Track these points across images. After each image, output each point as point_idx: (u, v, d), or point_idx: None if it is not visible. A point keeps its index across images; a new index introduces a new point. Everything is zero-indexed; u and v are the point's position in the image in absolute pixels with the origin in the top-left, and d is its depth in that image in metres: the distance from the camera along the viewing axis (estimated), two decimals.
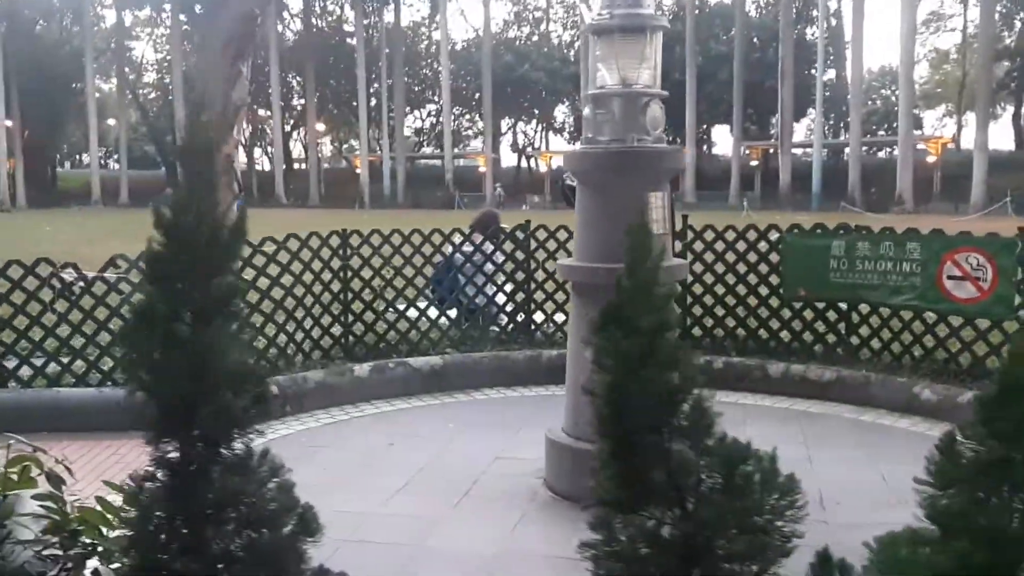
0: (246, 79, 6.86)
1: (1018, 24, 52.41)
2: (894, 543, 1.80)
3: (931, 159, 46.57)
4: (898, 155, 41.08)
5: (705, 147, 61.39)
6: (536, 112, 63.96)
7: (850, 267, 6.86)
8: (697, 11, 50.36)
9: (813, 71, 48.84)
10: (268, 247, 6.87)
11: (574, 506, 4.63)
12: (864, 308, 6.97)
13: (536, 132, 67.85)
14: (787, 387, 6.80)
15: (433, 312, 7.77)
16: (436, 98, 63.08)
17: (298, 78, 63.48)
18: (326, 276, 7.13)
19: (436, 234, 7.65)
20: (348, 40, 62.46)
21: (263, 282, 6.87)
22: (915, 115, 64.09)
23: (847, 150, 48.32)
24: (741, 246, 7.45)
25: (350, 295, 7.22)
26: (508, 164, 66.93)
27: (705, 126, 58.67)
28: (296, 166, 67.36)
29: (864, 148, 55.09)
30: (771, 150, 51.46)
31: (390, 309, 7.54)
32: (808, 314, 7.21)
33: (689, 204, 45.69)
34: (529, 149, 66.38)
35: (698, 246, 7.55)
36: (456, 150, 64.54)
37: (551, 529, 4.30)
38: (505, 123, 65.46)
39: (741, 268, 7.48)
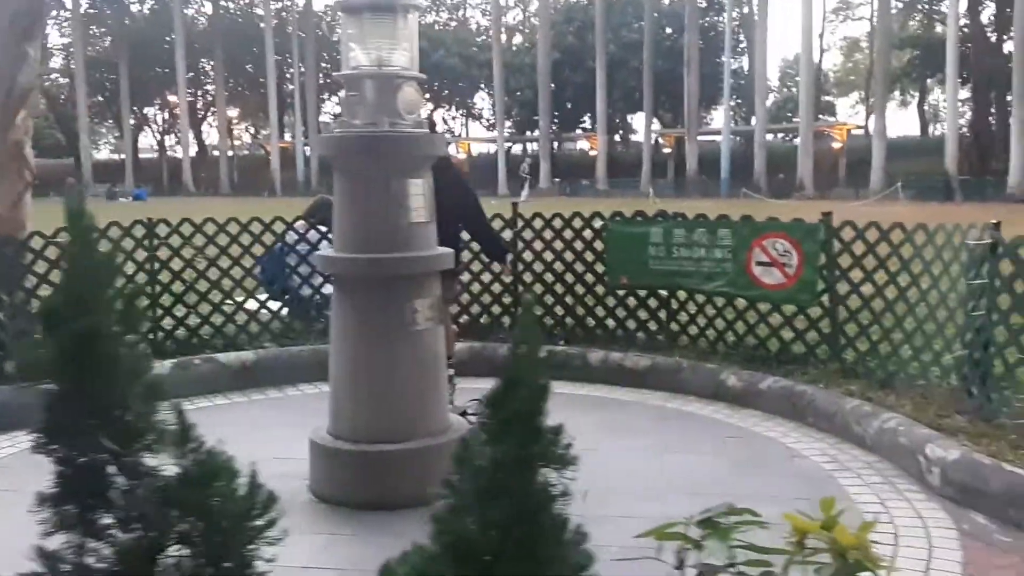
0: (35, 60, 6.47)
1: (921, 13, 53.78)
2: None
3: (837, 145, 47.62)
4: (799, 143, 41.85)
5: (622, 134, 61.82)
6: (456, 99, 63.56)
7: (668, 254, 6.82)
8: None
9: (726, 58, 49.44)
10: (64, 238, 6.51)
11: (331, 510, 4.47)
12: (683, 295, 6.94)
13: (456, 119, 67.51)
14: (607, 375, 6.73)
15: (275, 304, 7.52)
16: None
17: (212, 63, 61.83)
18: (129, 268, 6.80)
19: (258, 223, 7.40)
20: (261, 24, 61.02)
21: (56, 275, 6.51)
22: (829, 102, 65.88)
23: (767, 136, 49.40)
24: (569, 234, 7.37)
25: (158, 288, 6.91)
26: None
27: (621, 114, 59.02)
28: (213, 153, 65.70)
29: (779, 135, 56.19)
30: (684, 137, 51.95)
31: (227, 301, 7.27)
32: (631, 301, 7.16)
33: (601, 191, 46.04)
34: (448, 136, 65.89)
35: (527, 234, 7.45)
36: None
37: (294, 535, 4.10)
38: (424, 110, 64.72)
39: (569, 256, 7.40)
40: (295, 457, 5.09)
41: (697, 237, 6.68)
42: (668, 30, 52.90)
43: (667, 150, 53.50)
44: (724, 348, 6.68)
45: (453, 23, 65.85)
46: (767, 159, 43.20)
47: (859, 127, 53.40)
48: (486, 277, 7.53)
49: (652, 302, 7.08)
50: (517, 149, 59.31)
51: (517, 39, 64.60)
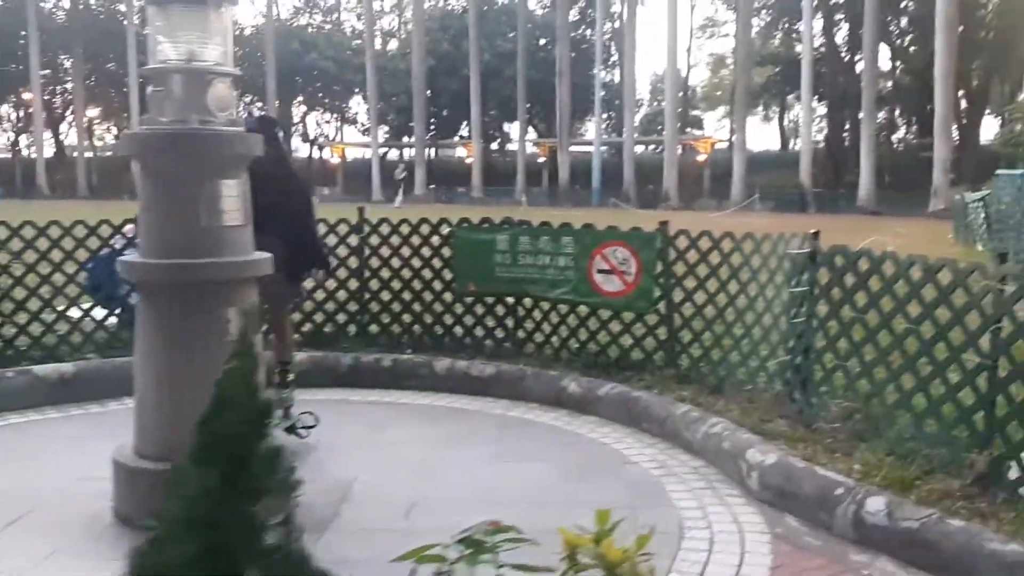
0: None
1: (781, 32, 56.23)
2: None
3: (702, 158, 49.28)
4: (664, 155, 43.12)
5: (500, 143, 62.17)
6: (330, 103, 62.49)
7: (514, 261, 6.78)
8: (485, 7, 50.74)
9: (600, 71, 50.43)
10: None
11: (136, 533, 4.19)
12: (529, 302, 6.92)
13: (330, 123, 66.41)
14: (452, 383, 6.63)
15: (101, 312, 7.06)
16: None
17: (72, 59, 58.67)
18: None
19: (103, 226, 6.96)
20: (124, 20, 58.30)
21: None
22: (697, 116, 68.18)
23: (637, 148, 50.51)
24: (416, 240, 7.25)
25: None
26: (303, 155, 65.04)
27: (498, 122, 59.34)
28: (74, 154, 62.27)
29: (649, 147, 57.66)
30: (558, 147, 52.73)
31: (48, 309, 6.77)
32: (479, 309, 7.09)
33: (476, 199, 46.13)
34: (321, 139, 64.76)
35: (374, 240, 7.29)
36: None
37: (85, 561, 3.82)
38: (299, 113, 63.57)
39: (416, 263, 7.26)
40: (102, 477, 4.77)
41: (542, 245, 6.68)
42: (542, 41, 53.59)
43: (542, 159, 54.10)
44: (568, 355, 6.68)
45: (327, 26, 64.72)
46: (637, 170, 44.29)
47: (723, 141, 55.35)
48: (331, 284, 7.32)
49: (499, 309, 7.03)
50: (395, 155, 58.80)
51: (393, 44, 64.15)
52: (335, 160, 58.63)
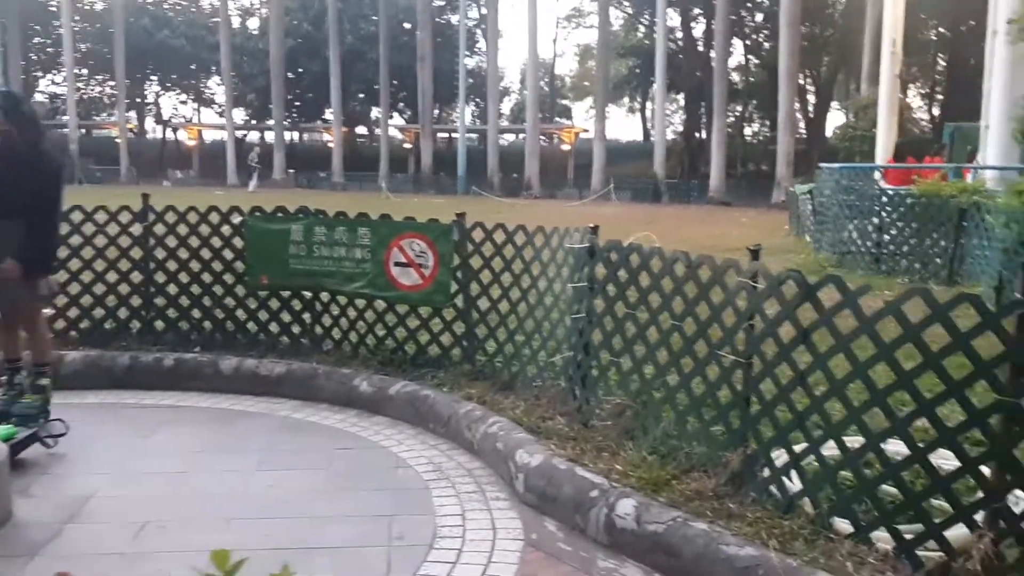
0: None
1: (642, 25, 57.36)
2: None
3: (567, 147, 49.79)
4: (526, 144, 43.30)
5: (368, 129, 61.07)
6: (185, 83, 59.78)
7: (309, 253, 6.45)
8: None
9: (465, 57, 50.10)
10: None
11: None
12: (327, 296, 6.59)
13: (187, 104, 63.56)
14: (240, 384, 6.25)
15: None
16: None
17: None
18: None
19: None
20: None
21: None
22: (566, 106, 68.87)
23: (508, 136, 50.55)
24: (205, 230, 6.80)
25: None
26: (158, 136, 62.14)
27: (365, 106, 58.19)
28: None
29: (519, 135, 57.81)
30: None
31: None
32: (274, 304, 6.72)
33: (337, 185, 45.17)
34: (175, 121, 61.96)
35: (159, 229, 6.79)
36: (100, 118, 58.70)
37: None
38: (153, 93, 60.63)
39: (206, 254, 6.82)
40: None
41: (338, 236, 6.36)
42: (407, 25, 52.81)
43: (408, 146, 53.46)
44: (366, 352, 6.40)
45: (183, 2, 61.80)
46: (504, 158, 44.31)
47: (588, 131, 56.09)
48: (112, 276, 6.80)
49: (295, 304, 6.68)
50: (256, 138, 56.84)
51: (254, 23, 61.90)
52: (191, 142, 56.20)
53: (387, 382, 5.86)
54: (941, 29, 43.72)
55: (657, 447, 4.35)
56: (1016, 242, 8.37)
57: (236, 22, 56.81)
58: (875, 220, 11.36)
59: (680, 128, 54.55)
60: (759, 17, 50.40)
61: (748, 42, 52.13)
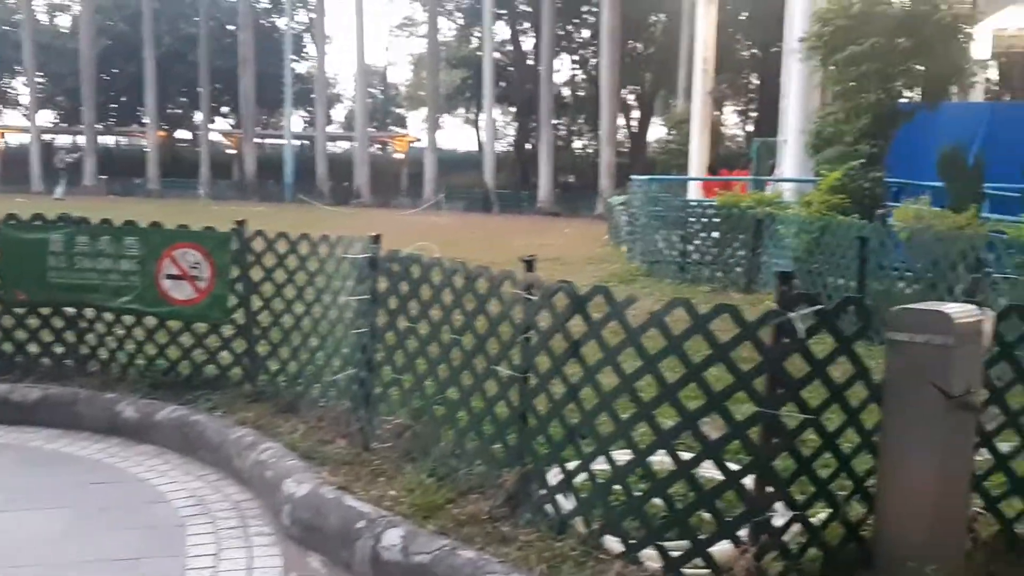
0: None
1: (475, 37, 57.77)
2: None
3: (399, 156, 49.38)
4: (355, 151, 42.65)
5: (192, 133, 58.24)
6: None
7: (70, 265, 5.83)
8: None
9: (293, 62, 48.68)
10: None
11: None
12: (92, 312, 5.99)
13: None
14: None
15: None
16: None
17: None
18: None
19: None
20: None
21: None
22: (402, 115, 68.23)
23: (345, 143, 49.44)
24: None
25: None
26: None
27: (188, 110, 55.50)
28: None
29: (353, 143, 56.68)
30: (260, 139, 50.48)
31: None
32: (33, 321, 6.05)
33: (153, 191, 42.79)
34: None
35: None
36: None
37: None
38: None
39: None
40: None
41: (103, 246, 5.78)
42: (232, 27, 50.83)
43: (233, 151, 51.37)
44: (135, 374, 5.85)
45: None
46: (334, 166, 43.33)
47: (419, 140, 55.88)
48: None
49: (57, 322, 6.03)
50: (66, 141, 53.00)
51: (65, 20, 57.86)
52: None
53: (155, 407, 5.35)
54: (754, 50, 46.32)
55: (436, 469, 4.12)
56: (804, 250, 8.76)
57: (44, 19, 52.99)
58: (680, 231, 11.70)
59: (511, 140, 55.22)
60: (586, 33, 51.77)
61: (576, 57, 53.45)
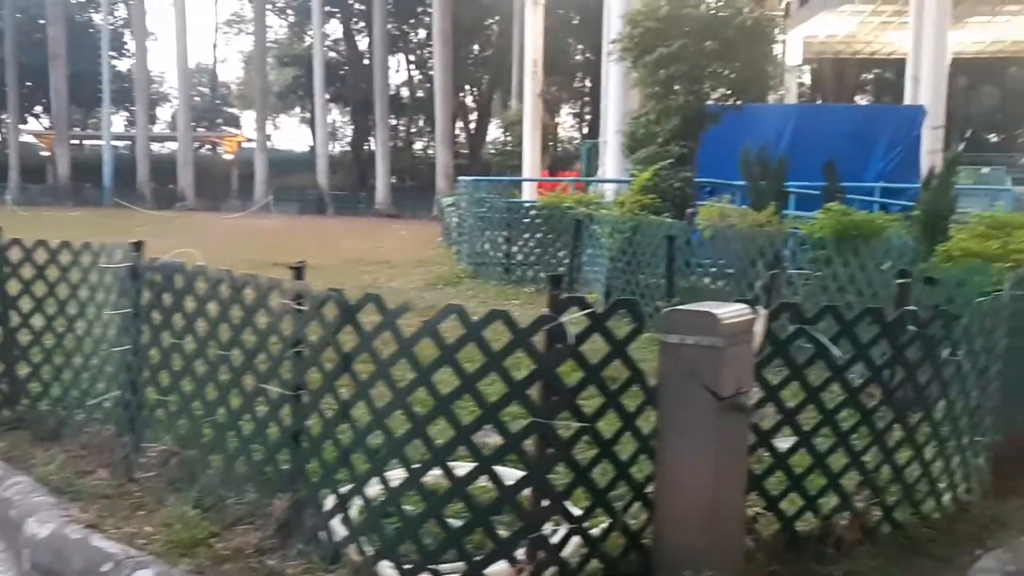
0: None
1: (309, 35, 56.38)
2: None
3: (229, 157, 47.49)
4: (178, 152, 40.77)
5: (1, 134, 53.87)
6: None
7: None
8: None
9: (114, 59, 45.95)
10: None
11: None
12: None
13: None
14: None
15: None
16: None
17: None
18: None
19: None
20: None
21: None
22: (233, 114, 65.54)
23: (173, 144, 46.86)
24: None
25: None
26: None
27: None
28: None
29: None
30: (78, 140, 47.42)
31: None
32: None
33: None
34: None
35: None
36: None
37: None
38: None
39: None
40: None
41: None
42: (44, 21, 47.43)
43: (46, 153, 47.93)
44: None
45: None
46: (159, 168, 41.22)
47: (251, 140, 54.08)
48: None
49: None
50: None
51: None
52: None
53: None
54: (588, 54, 47.43)
55: (203, 499, 3.76)
56: (618, 250, 8.84)
57: None
58: (505, 232, 11.65)
59: (351, 140, 54.20)
60: (423, 33, 51.51)
61: (413, 57, 53.11)
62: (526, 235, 11.43)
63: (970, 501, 4.14)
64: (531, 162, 22.56)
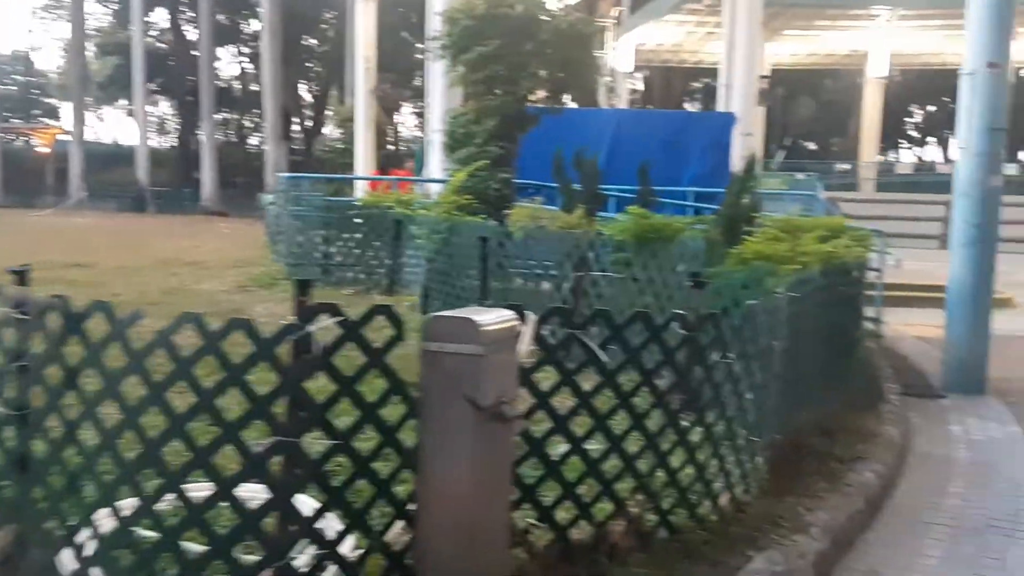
0: None
1: (132, 25, 53.27)
2: None
3: (44, 150, 44.28)
4: None
5: None
6: None
7: None
8: None
9: None
10: None
11: None
12: None
13: None
14: None
15: None
16: None
17: None
18: None
19: None
20: None
21: None
22: (52, 105, 60.96)
23: None
24: None
25: None
26: None
27: None
28: None
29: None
30: None
31: None
32: None
33: None
34: None
35: None
36: None
37: None
38: None
39: None
40: None
41: None
42: None
43: None
44: None
45: None
46: None
47: (68, 132, 50.65)
48: None
49: None
50: None
51: None
52: None
53: None
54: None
55: None
56: (435, 251, 8.68)
57: None
58: (323, 232, 11.26)
59: (179, 135, 51.62)
60: (256, 25, 49.71)
61: (247, 49, 51.20)
62: (345, 235, 11.08)
63: (747, 501, 4.20)
64: (364, 159, 22.14)
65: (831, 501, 4.44)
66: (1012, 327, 10.58)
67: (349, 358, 2.94)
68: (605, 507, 3.59)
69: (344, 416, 3.03)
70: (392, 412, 3.07)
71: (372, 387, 3.03)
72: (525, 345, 3.18)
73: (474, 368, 2.90)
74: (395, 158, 29.88)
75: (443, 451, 2.97)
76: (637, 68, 41.04)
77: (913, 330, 10.38)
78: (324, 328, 2.84)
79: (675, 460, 3.77)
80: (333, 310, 2.88)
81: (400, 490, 3.13)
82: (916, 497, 5.17)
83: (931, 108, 47.66)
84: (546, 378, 3.45)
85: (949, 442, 6.38)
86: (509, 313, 3.13)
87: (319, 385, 2.90)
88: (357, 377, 2.94)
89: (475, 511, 2.99)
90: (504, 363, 3.04)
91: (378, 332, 2.98)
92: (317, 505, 2.95)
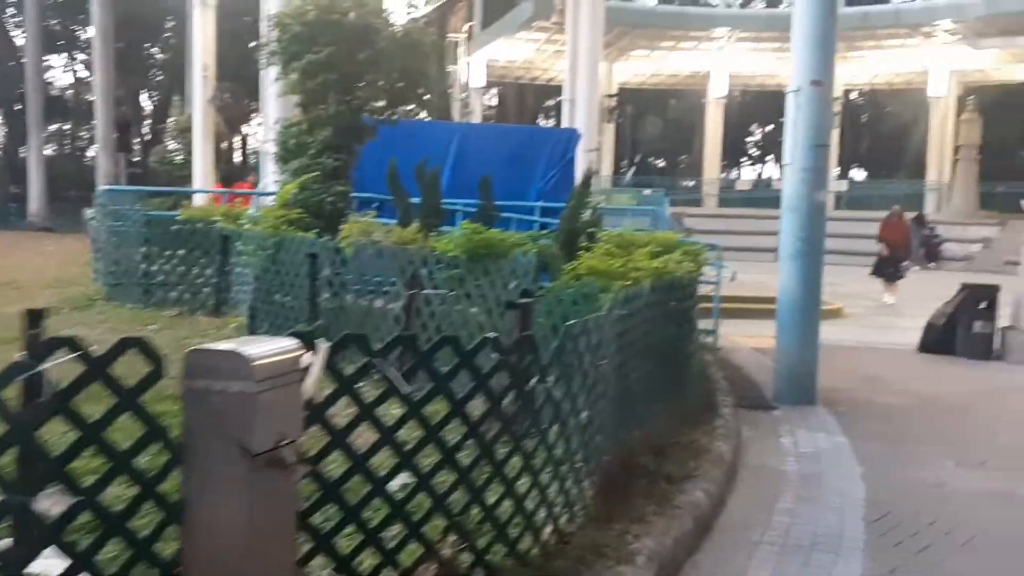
0: None
1: None
2: None
3: None
4: None
5: None
6: None
7: None
8: None
9: None
10: None
11: None
12: None
13: None
14: None
15: None
16: None
17: None
18: None
19: None
20: None
21: None
22: None
23: None
24: None
25: None
26: None
27: None
28: None
29: None
30: None
31: None
32: None
33: None
34: None
35: None
36: None
37: None
38: None
39: None
40: None
41: None
42: None
43: None
44: None
45: None
46: None
47: None
48: None
49: None
50: None
51: None
52: None
53: None
54: None
55: None
56: (263, 268, 8.16)
57: None
58: (143, 249, 10.46)
59: (3, 146, 48.04)
60: (93, 31, 46.90)
61: (83, 56, 48.25)
62: (167, 252, 10.33)
63: (572, 531, 3.98)
64: (203, 171, 21.10)
65: (659, 525, 4.28)
66: (842, 337, 11.00)
67: (101, 399, 2.52)
68: (415, 550, 3.28)
69: (96, 468, 2.60)
70: (155, 461, 2.67)
71: (130, 433, 2.61)
72: (313, 379, 2.83)
73: (244, 408, 2.53)
74: (239, 170, 28.74)
75: (210, 504, 2.58)
76: (490, 84, 41.20)
77: (750, 341, 10.61)
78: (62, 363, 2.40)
79: (491, 494, 3.50)
80: (72, 345, 2.45)
81: (166, 549, 2.71)
82: (746, 514, 5.12)
83: (769, 128, 50.06)
84: (344, 414, 3.11)
85: (779, 455, 6.43)
86: (291, 343, 2.78)
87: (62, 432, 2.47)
88: (104, 422, 2.51)
89: (251, 569, 2.62)
90: (283, 401, 2.67)
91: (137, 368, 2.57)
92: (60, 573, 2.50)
